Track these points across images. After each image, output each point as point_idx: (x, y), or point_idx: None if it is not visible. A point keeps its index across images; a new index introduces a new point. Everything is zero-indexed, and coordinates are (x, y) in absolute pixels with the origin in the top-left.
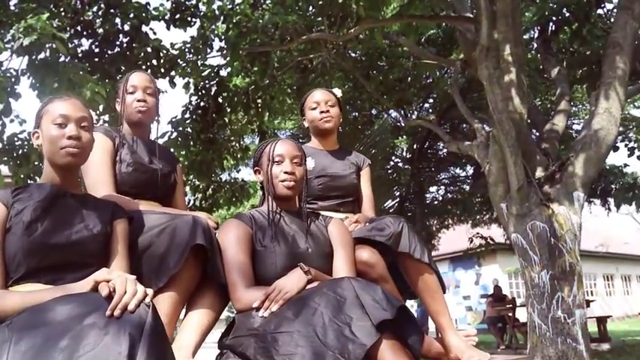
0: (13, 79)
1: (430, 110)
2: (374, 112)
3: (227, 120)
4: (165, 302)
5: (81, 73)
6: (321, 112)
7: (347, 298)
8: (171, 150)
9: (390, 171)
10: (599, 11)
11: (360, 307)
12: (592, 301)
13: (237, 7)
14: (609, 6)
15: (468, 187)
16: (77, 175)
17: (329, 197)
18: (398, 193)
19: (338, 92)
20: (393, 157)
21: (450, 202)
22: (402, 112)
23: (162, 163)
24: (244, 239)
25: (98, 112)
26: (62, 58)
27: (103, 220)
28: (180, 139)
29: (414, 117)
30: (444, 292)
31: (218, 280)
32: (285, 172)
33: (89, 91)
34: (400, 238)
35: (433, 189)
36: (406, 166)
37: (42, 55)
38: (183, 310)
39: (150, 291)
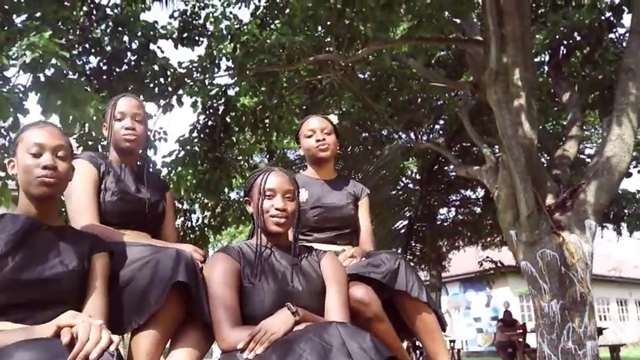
0: (21, 95)
1: (440, 132)
2: (384, 132)
3: (235, 139)
4: (146, 341)
5: (87, 89)
6: (317, 140)
7: (333, 345)
8: (162, 176)
9: (400, 192)
10: (611, 35)
11: (347, 355)
12: (605, 328)
13: (245, 27)
14: (621, 30)
15: (478, 210)
16: (55, 205)
17: (325, 229)
18: (408, 214)
19: (334, 119)
20: (403, 178)
21: (460, 224)
22: (412, 133)
23: (150, 192)
24: (231, 275)
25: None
26: (70, 75)
27: (80, 254)
28: (187, 157)
29: (424, 138)
30: (444, 331)
31: (202, 319)
32: (277, 208)
33: (92, 108)
34: (397, 275)
35: (443, 210)
36: (416, 187)
37: (46, 72)
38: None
39: (115, 338)
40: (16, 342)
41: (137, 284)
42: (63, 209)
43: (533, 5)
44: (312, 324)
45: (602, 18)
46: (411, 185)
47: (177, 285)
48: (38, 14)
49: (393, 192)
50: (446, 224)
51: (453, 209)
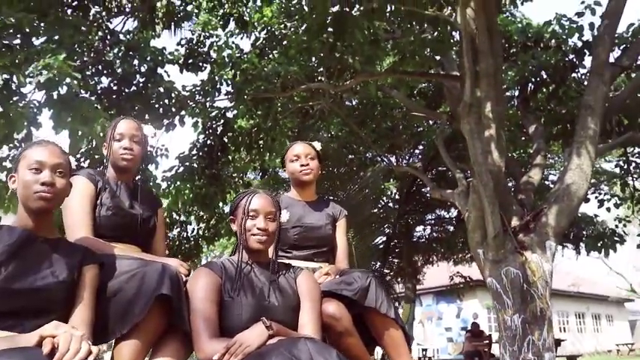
0: (35, 110)
1: (419, 156)
2: (369, 155)
3: (231, 158)
4: (128, 349)
5: (97, 107)
6: (301, 165)
7: None
8: (162, 189)
9: (380, 210)
10: (574, 75)
11: None
12: (564, 340)
13: (245, 56)
14: (583, 70)
15: (452, 228)
16: (51, 219)
17: (304, 247)
18: (387, 231)
19: (317, 145)
20: (384, 198)
21: (434, 241)
22: (394, 157)
23: (143, 208)
24: (212, 289)
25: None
26: (82, 93)
27: (71, 266)
28: (186, 173)
29: (404, 162)
30: (409, 346)
31: (183, 329)
32: (258, 228)
33: (100, 126)
34: (367, 292)
35: (420, 228)
36: (395, 207)
37: (59, 91)
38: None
39: (95, 349)
40: (1, 350)
41: (124, 295)
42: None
43: (506, 45)
44: (285, 338)
45: (566, 59)
46: (390, 204)
47: (161, 297)
48: (56, 37)
49: (374, 210)
50: (422, 241)
51: (428, 227)
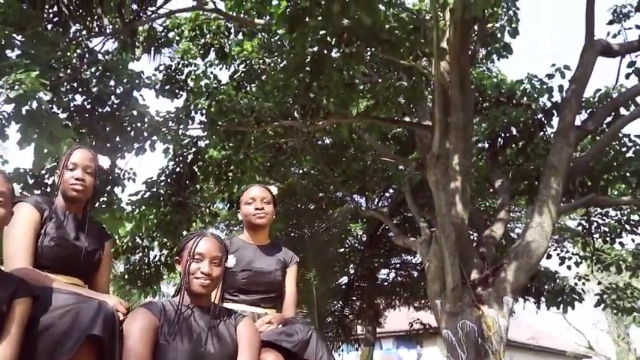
0: (4, 122)
1: (389, 199)
2: (339, 194)
3: (199, 187)
4: None
5: (67, 124)
6: (256, 208)
7: None
8: (104, 226)
9: (346, 249)
10: (542, 133)
11: None
12: None
13: (222, 87)
14: (551, 130)
15: (416, 274)
16: None
17: (252, 291)
18: (351, 272)
19: (274, 190)
20: (350, 238)
21: (398, 285)
22: (364, 198)
23: (89, 240)
24: (148, 331)
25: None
26: (55, 109)
27: (1, 298)
28: (152, 199)
29: (374, 204)
30: None
31: None
32: (202, 272)
33: (67, 145)
34: (307, 345)
35: (385, 271)
36: (361, 247)
37: (27, 107)
38: None
39: None
40: None
41: (55, 331)
42: None
43: (480, 99)
44: None
45: (536, 118)
46: (356, 245)
47: (93, 337)
48: (32, 51)
49: (340, 250)
50: (385, 284)
51: (393, 271)
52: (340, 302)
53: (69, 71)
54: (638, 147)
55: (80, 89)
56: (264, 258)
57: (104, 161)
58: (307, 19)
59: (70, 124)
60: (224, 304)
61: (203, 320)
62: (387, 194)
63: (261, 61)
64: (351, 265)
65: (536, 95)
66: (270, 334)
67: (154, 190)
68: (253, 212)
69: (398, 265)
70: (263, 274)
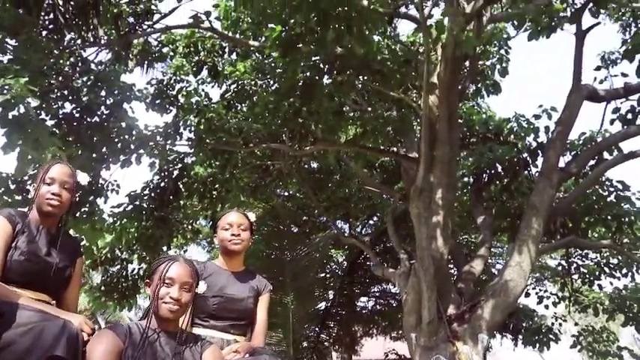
0: None
1: (373, 227)
2: (322, 219)
3: (182, 203)
4: None
5: (54, 131)
6: (233, 234)
7: None
8: (79, 241)
9: (327, 275)
10: (527, 172)
11: None
12: None
13: (213, 106)
14: (535, 169)
15: (395, 303)
16: None
17: (222, 318)
18: (330, 298)
19: (252, 217)
20: (331, 264)
21: (377, 314)
22: (348, 224)
23: (60, 257)
24: (112, 354)
25: None
26: (43, 115)
27: None
28: (134, 212)
29: (357, 230)
30: None
31: None
32: (171, 297)
33: (51, 153)
34: None
35: (364, 299)
36: (341, 273)
37: (14, 112)
38: None
39: None
40: None
41: (16, 349)
42: None
43: (467, 134)
44: None
45: (521, 157)
46: (338, 271)
47: (55, 358)
48: (24, 57)
49: (320, 275)
50: (364, 312)
51: (372, 299)
52: (317, 328)
53: (60, 78)
54: (619, 192)
55: (70, 97)
56: (237, 285)
57: (83, 178)
58: (300, 45)
59: (58, 132)
60: (194, 329)
61: (169, 346)
62: (371, 222)
63: (252, 82)
64: (330, 291)
65: (522, 134)
66: None
67: (137, 203)
68: (229, 238)
69: (377, 294)
70: (235, 300)
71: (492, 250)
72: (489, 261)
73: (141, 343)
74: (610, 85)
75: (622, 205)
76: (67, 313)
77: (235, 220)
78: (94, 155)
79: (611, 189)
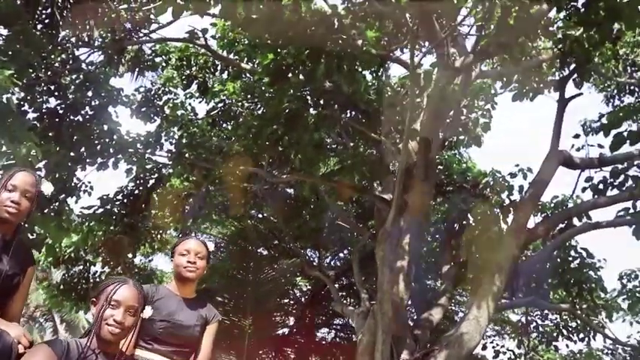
0: None
1: (342, 260)
2: (291, 245)
3: (154, 213)
4: None
5: (34, 125)
6: (189, 261)
7: None
8: (32, 251)
9: (291, 302)
10: (497, 228)
11: None
12: None
13: (197, 121)
14: (504, 226)
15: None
16: None
17: (167, 343)
18: (291, 324)
19: (210, 246)
20: (295, 291)
21: (336, 346)
22: (317, 253)
23: (10, 264)
24: None
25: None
26: (26, 107)
27: None
28: (104, 215)
29: (327, 261)
30: None
31: None
32: (115, 320)
33: (26, 148)
34: None
35: (325, 330)
36: (304, 301)
37: None
38: None
39: None
40: None
41: None
42: None
43: (445, 181)
44: None
45: (493, 211)
46: (301, 299)
47: None
48: (17, 46)
49: (284, 300)
50: (324, 343)
51: (333, 331)
52: (273, 354)
53: (49, 73)
54: (583, 259)
55: (56, 93)
56: (186, 311)
57: (46, 187)
58: (290, 75)
59: (39, 125)
60: (137, 350)
61: None
62: (341, 254)
63: (239, 103)
64: (292, 318)
65: (497, 190)
66: None
67: (108, 207)
68: (185, 265)
69: (339, 327)
70: (182, 327)
71: (458, 297)
72: (452, 308)
73: None
74: (586, 153)
75: (584, 271)
76: (7, 323)
77: (193, 247)
78: (72, 154)
79: (576, 255)
